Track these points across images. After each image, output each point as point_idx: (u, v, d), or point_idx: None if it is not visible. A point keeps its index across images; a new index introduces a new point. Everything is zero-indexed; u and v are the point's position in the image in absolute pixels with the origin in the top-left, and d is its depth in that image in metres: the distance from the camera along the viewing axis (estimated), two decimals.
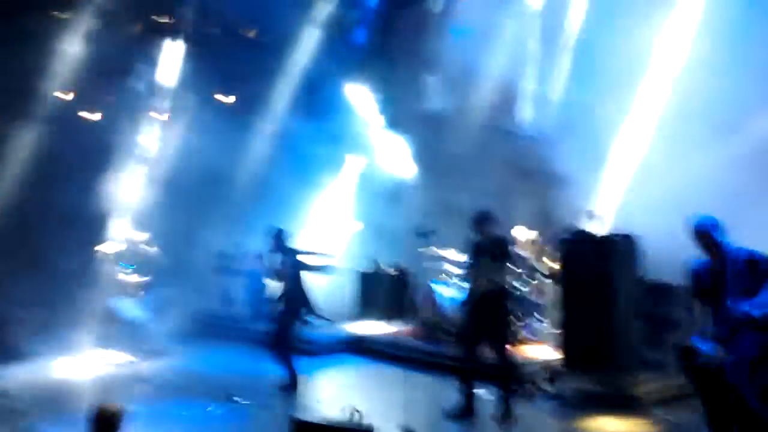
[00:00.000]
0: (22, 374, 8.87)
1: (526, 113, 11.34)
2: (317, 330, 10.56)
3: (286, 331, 8.21)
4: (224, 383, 7.96)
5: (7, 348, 9.43)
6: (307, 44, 13.25)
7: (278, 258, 8.26)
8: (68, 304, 9.50)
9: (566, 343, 7.73)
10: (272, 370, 8.25)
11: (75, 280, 10.30)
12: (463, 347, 7.05)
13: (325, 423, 5.00)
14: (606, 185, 8.84)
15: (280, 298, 8.27)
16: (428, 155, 12.52)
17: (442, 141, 11.94)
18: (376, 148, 13.35)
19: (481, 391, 6.83)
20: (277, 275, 8.31)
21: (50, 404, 7.56)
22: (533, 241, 9.57)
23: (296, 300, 8.36)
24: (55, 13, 12.31)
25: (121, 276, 9.73)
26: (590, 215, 7.50)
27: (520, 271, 9.03)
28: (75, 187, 11.13)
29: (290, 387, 8.07)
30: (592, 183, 8.77)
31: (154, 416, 6.77)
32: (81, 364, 9.33)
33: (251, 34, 13.63)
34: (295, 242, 11.34)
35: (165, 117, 13.08)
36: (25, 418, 6.95)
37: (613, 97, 8.95)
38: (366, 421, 5.64)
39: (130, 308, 8.58)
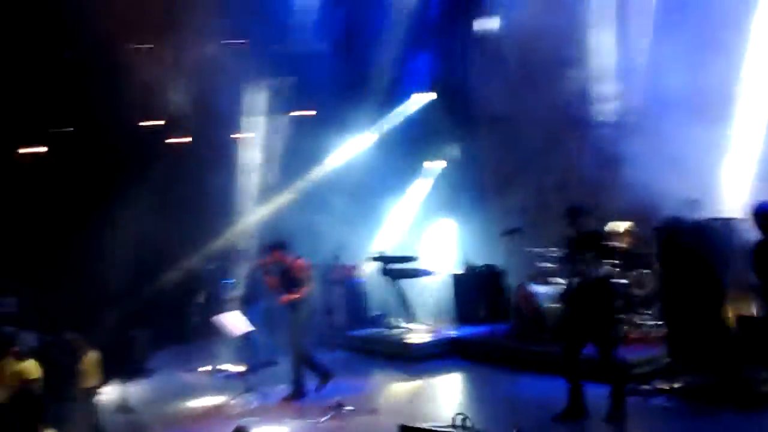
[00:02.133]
0: (145, 389, 9.46)
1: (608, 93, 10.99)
2: (416, 335, 10.76)
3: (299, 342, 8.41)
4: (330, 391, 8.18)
5: (130, 364, 10.08)
6: None
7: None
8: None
9: (672, 337, 7.51)
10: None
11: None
12: (563, 345, 6.99)
13: (433, 429, 5.06)
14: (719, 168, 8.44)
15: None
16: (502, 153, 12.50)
17: (518, 138, 11.85)
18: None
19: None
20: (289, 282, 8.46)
21: (172, 418, 8.02)
22: (629, 232, 9.36)
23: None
24: None
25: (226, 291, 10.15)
26: (692, 203, 7.23)
27: (617, 263, 8.85)
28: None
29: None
30: (701, 166, 8.41)
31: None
32: (198, 378, 9.84)
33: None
34: (388, 249, 11.61)
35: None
36: None
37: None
38: (474, 426, 5.70)
39: (238, 322, 8.93)
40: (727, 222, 7.31)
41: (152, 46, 12.88)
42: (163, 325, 12.50)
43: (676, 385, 7.23)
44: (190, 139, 13.59)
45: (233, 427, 4.79)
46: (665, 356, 7.56)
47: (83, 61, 12.05)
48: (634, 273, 8.99)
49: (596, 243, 6.80)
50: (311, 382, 8.48)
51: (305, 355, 8.48)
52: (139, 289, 12.31)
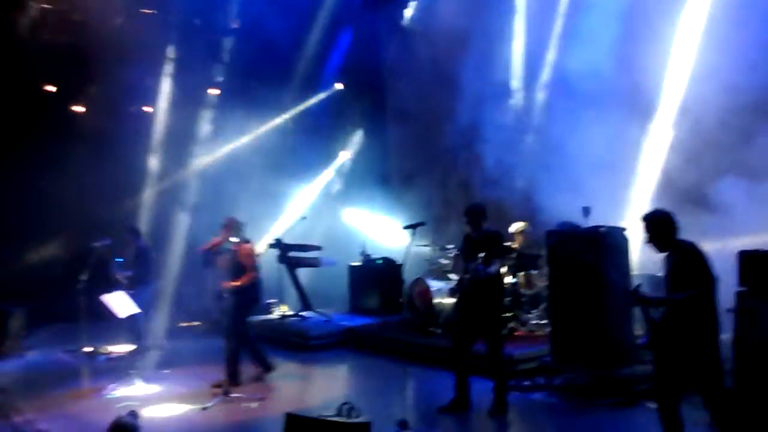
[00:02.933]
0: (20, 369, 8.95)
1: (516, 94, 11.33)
2: (310, 324, 10.72)
3: (240, 330, 8.14)
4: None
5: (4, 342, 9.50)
6: None
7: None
8: None
9: (555, 336, 7.83)
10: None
11: None
12: (454, 339, 7.14)
13: (319, 418, 5.05)
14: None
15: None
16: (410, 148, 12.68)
17: (426, 134, 12.04)
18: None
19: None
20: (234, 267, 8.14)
21: (47, 400, 7.60)
22: (521, 232, 9.68)
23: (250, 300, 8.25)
24: None
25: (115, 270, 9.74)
26: (586, 211, 7.55)
27: (509, 262, 9.13)
28: None
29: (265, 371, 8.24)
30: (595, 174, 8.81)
31: None
32: (78, 359, 9.41)
33: None
34: (286, 237, 11.48)
35: None
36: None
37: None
38: (360, 416, 5.72)
39: (124, 303, 8.58)
40: (613, 229, 7.66)
41: (60, 8, 12.27)
42: (45, 302, 11.90)
43: (556, 382, 7.54)
44: (89, 108, 13.01)
45: (117, 416, 4.54)
46: (548, 354, 7.85)
47: None
48: (523, 273, 9.30)
49: (491, 242, 6.94)
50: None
51: (249, 342, 8.22)
52: (19, 261, 11.67)
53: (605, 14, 9.13)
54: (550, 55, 10.59)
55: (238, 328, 8.06)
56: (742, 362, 5.98)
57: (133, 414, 4.67)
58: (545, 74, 10.74)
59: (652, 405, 6.35)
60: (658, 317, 5.11)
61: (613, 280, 7.30)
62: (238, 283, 7.94)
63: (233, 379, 7.92)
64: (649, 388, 6.70)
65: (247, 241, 8.28)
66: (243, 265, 8.04)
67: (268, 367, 8.39)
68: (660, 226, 5.18)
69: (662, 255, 5.22)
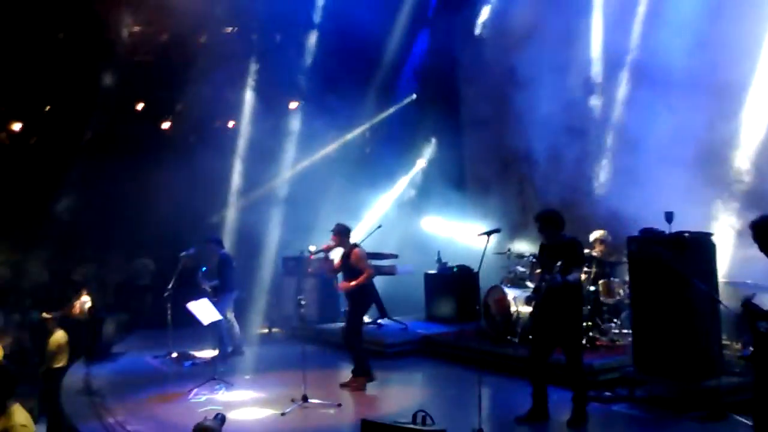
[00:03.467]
0: (110, 373, 9.41)
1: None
2: (387, 331, 10.78)
3: (356, 327, 8.41)
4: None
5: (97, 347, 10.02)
6: None
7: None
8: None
9: (638, 345, 7.57)
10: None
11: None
12: (531, 348, 7.03)
13: (396, 425, 5.06)
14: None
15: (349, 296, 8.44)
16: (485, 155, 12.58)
17: (502, 142, 11.93)
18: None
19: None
20: (347, 271, 8.46)
21: (135, 402, 7.96)
22: (601, 240, 9.43)
23: (365, 297, 8.49)
24: None
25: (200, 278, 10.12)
26: (669, 216, 7.29)
27: (589, 270, 8.92)
28: None
29: (365, 379, 8.32)
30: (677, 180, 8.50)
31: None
32: (165, 364, 9.80)
33: None
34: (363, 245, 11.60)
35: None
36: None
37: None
38: (435, 424, 5.71)
39: (207, 310, 8.90)
40: (698, 235, 7.36)
41: (144, 28, 12.90)
42: (135, 310, 12.49)
43: (638, 393, 7.30)
44: (175, 124, 13.60)
45: (202, 419, 4.67)
46: (630, 364, 7.61)
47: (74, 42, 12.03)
48: (604, 281, 9.06)
49: (568, 250, 6.80)
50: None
51: (357, 345, 8.50)
52: (112, 271, 12.29)
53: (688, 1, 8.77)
54: (631, 51, 10.27)
55: (356, 327, 8.38)
56: None
57: (220, 418, 4.78)
58: (625, 71, 10.44)
59: (742, 419, 6.08)
60: (766, 329, 4.88)
61: (698, 288, 7.01)
62: (353, 284, 8.26)
63: (368, 375, 8.29)
64: (738, 400, 6.43)
65: (357, 246, 8.53)
66: (355, 267, 8.33)
67: (367, 374, 8.46)
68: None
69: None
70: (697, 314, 7.08)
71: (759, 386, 4.94)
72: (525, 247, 10.37)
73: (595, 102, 10.89)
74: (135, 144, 12.95)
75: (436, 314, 11.43)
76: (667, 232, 7.35)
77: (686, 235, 7.26)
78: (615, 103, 10.55)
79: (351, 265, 8.38)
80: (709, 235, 7.47)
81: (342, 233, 8.45)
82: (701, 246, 7.32)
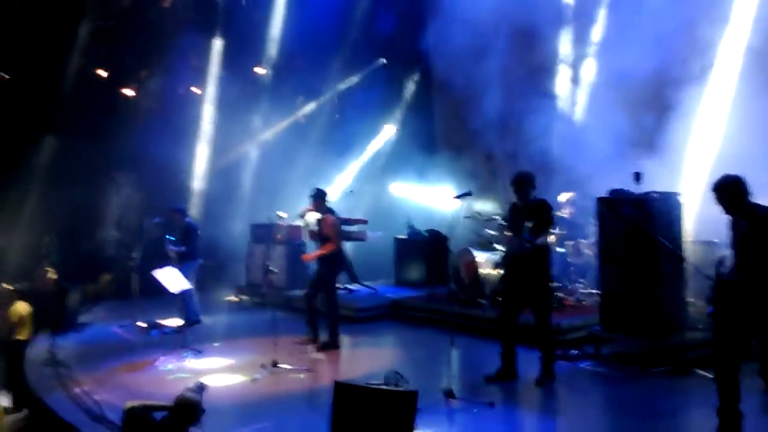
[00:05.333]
0: (76, 343, 9.26)
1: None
2: (357, 296, 10.78)
3: (331, 292, 8.46)
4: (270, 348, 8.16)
5: (62, 317, 9.84)
6: None
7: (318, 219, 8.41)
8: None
9: (604, 305, 7.67)
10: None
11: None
12: (500, 309, 7.07)
13: (368, 387, 5.07)
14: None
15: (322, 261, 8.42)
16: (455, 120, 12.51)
17: (471, 106, 11.86)
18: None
19: None
20: (319, 238, 8.48)
21: (103, 373, 7.86)
22: (571, 202, 9.48)
23: (334, 265, 8.54)
24: None
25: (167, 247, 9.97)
26: (637, 176, 7.32)
27: (557, 232, 8.98)
28: None
29: (330, 346, 8.39)
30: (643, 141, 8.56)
31: None
32: (132, 334, 9.69)
33: None
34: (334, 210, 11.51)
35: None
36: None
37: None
38: (407, 385, 5.74)
39: (175, 279, 8.78)
40: (667, 195, 7.43)
41: None
42: (100, 280, 12.29)
43: (605, 351, 7.41)
44: (139, 91, 13.25)
45: (183, 390, 4.58)
46: (596, 323, 7.71)
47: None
48: (572, 242, 9.13)
49: (539, 211, 6.81)
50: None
51: (333, 309, 8.57)
52: (75, 241, 12.03)
53: None
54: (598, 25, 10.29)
55: (330, 295, 8.46)
56: None
57: (200, 386, 4.69)
58: (593, 45, 10.48)
59: (705, 373, 6.22)
60: (727, 277, 4.95)
61: (664, 247, 7.09)
62: (322, 252, 8.33)
63: (334, 343, 8.37)
64: (701, 356, 6.57)
65: (331, 212, 8.50)
66: (326, 235, 8.33)
67: (315, 340, 8.51)
68: (730, 192, 4.99)
69: (731, 220, 5.05)
70: (663, 273, 7.18)
71: (719, 339, 5.04)
72: (494, 210, 10.39)
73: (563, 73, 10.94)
74: (99, 112, 12.60)
75: (406, 278, 11.46)
76: (635, 192, 7.41)
77: (654, 195, 7.33)
78: (581, 74, 10.62)
79: (322, 232, 8.38)
80: (677, 194, 7.55)
81: (318, 197, 8.44)
82: (669, 206, 7.40)
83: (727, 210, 5.05)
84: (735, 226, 5.05)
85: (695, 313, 7.48)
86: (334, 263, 8.56)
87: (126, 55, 12.86)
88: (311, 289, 8.70)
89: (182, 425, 4.45)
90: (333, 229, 8.39)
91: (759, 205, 4.98)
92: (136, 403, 4.63)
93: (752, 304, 4.82)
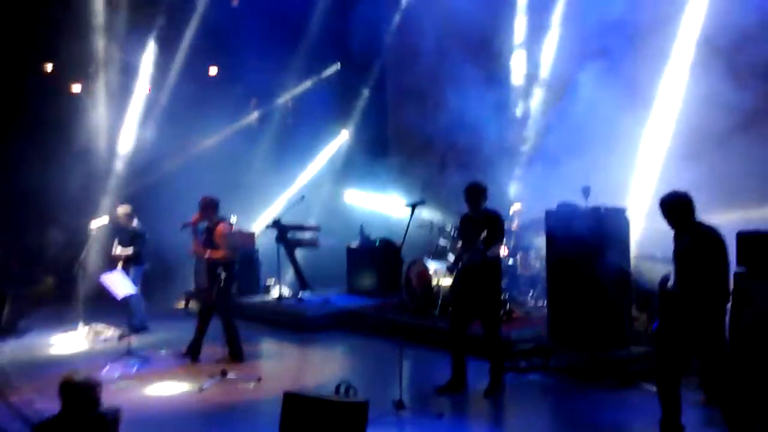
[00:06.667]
0: (16, 349, 8.96)
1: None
2: (308, 305, 10.71)
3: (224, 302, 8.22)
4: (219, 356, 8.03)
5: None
6: None
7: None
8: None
9: (553, 317, 7.82)
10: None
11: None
12: (451, 320, 7.12)
13: (318, 397, 5.04)
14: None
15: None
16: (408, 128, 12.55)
17: (425, 115, 11.94)
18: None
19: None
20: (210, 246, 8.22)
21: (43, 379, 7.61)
22: (519, 213, 9.63)
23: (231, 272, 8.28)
24: None
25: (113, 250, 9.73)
26: (586, 191, 7.50)
27: (507, 243, 9.10)
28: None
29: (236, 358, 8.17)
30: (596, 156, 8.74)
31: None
32: (75, 339, 9.41)
33: None
34: (285, 216, 11.45)
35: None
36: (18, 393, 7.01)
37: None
38: (358, 396, 5.73)
39: (121, 283, 8.57)
40: (614, 210, 7.62)
41: None
42: (43, 283, 11.91)
43: (553, 363, 7.54)
44: (84, 87, 12.93)
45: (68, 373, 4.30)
46: (545, 335, 7.84)
47: None
48: (521, 254, 9.27)
49: (490, 223, 6.89)
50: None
51: (226, 319, 8.22)
52: (17, 243, 11.65)
53: None
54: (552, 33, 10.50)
55: (224, 305, 8.13)
56: (738, 342, 5.97)
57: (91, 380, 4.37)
58: (545, 55, 10.68)
59: (649, 386, 6.38)
60: (670, 291, 5.11)
61: (611, 262, 7.27)
62: (215, 255, 8.03)
63: (239, 356, 8.07)
64: (644, 368, 6.75)
65: (224, 220, 8.30)
66: (217, 244, 8.12)
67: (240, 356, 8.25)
68: (677, 208, 5.16)
69: (676, 235, 5.22)
70: (609, 287, 7.35)
71: (661, 352, 5.20)
72: (446, 220, 10.48)
73: (517, 79, 11.09)
74: (44, 108, 12.25)
75: (358, 287, 11.43)
76: (583, 206, 7.58)
77: (602, 209, 7.51)
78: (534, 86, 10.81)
79: (213, 240, 8.14)
80: (624, 210, 7.74)
81: (207, 207, 8.20)
82: (616, 220, 7.58)
83: (673, 225, 5.22)
84: (678, 242, 5.21)
85: (639, 327, 7.68)
86: (228, 272, 8.11)
87: (74, 51, 12.56)
88: (206, 299, 8.33)
89: (78, 413, 4.13)
90: (222, 239, 8.14)
91: (702, 223, 5.16)
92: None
93: (691, 318, 4.97)
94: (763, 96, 7.64)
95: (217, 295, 8.04)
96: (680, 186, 5.39)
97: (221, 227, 8.18)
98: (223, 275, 7.93)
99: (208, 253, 8.11)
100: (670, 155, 8.76)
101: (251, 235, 11.11)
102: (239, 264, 11.26)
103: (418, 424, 6.08)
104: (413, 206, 7.16)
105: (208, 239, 8.19)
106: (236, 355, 8.15)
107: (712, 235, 5.03)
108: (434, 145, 12.28)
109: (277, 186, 12.96)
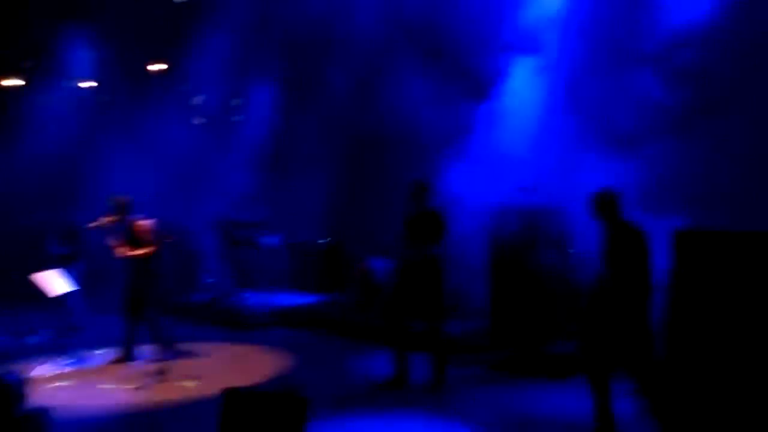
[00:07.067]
0: None
1: None
2: (249, 302, 10.60)
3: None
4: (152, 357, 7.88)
5: None
6: None
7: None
8: None
9: (493, 313, 7.96)
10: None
11: None
12: (393, 317, 7.17)
13: (258, 392, 5.00)
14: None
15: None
16: None
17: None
18: None
19: None
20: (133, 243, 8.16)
21: None
22: None
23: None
24: None
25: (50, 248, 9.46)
26: (525, 189, 7.68)
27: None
28: None
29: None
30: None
31: None
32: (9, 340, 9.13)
33: None
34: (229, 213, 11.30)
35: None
36: None
37: None
38: (300, 392, 5.71)
39: (58, 281, 8.33)
40: (555, 208, 7.79)
41: None
42: None
43: (492, 358, 7.67)
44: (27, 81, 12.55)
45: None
46: (487, 330, 7.97)
47: None
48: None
49: (434, 220, 6.96)
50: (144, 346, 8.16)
51: (151, 317, 8.11)
52: None
53: None
54: None
55: (149, 298, 8.05)
56: (672, 337, 6.17)
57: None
58: None
59: (583, 379, 6.55)
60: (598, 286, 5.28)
61: (547, 258, 7.46)
62: (141, 253, 7.95)
63: (129, 353, 8.03)
64: (578, 363, 6.93)
65: (144, 218, 8.20)
66: (142, 240, 8.02)
67: (169, 341, 8.22)
68: (605, 204, 5.36)
69: (603, 231, 5.38)
70: (546, 283, 7.54)
71: (590, 346, 5.39)
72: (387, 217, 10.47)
73: None
74: None
75: (301, 285, 11.38)
76: (521, 204, 7.75)
77: (542, 208, 7.69)
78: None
79: (137, 237, 8.07)
80: (563, 208, 7.92)
81: (121, 206, 8.13)
82: (554, 217, 7.76)
83: (601, 221, 5.41)
84: (605, 237, 5.39)
85: (573, 321, 7.84)
86: (151, 268, 8.15)
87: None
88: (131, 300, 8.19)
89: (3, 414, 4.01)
90: (149, 234, 8.09)
91: (630, 221, 5.37)
92: None
93: (616, 310, 5.16)
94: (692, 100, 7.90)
95: (142, 293, 7.95)
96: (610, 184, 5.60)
97: (145, 223, 8.08)
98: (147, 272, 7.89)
99: (130, 252, 7.99)
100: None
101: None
102: (179, 261, 11.19)
103: (360, 420, 6.08)
104: (353, 204, 7.14)
105: (129, 238, 8.06)
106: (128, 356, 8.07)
107: (634, 230, 5.26)
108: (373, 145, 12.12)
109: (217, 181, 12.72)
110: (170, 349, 8.11)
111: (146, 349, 8.13)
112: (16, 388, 4.05)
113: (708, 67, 7.26)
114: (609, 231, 5.36)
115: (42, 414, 4.15)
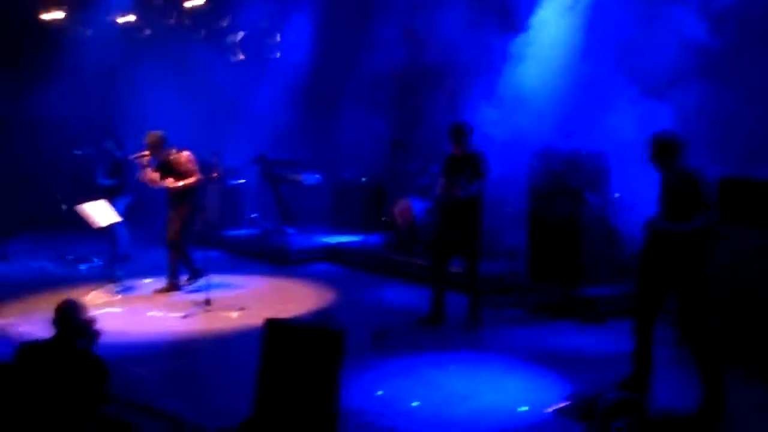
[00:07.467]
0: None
1: None
2: (292, 239, 10.80)
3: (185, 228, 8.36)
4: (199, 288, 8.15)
5: None
6: None
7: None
8: None
9: (531, 255, 7.98)
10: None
11: None
12: (432, 256, 7.26)
13: (299, 325, 5.16)
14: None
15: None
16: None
17: None
18: None
19: None
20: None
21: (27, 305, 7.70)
22: None
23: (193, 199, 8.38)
24: None
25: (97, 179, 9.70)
26: (566, 134, 7.58)
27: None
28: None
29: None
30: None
31: None
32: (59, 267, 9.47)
33: None
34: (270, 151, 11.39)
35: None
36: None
37: None
38: (338, 324, 5.87)
39: (104, 212, 8.57)
40: (593, 153, 7.69)
41: None
42: (26, 210, 11.88)
43: (529, 300, 7.74)
44: (64, 14, 12.59)
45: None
46: (523, 272, 8.02)
47: None
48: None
49: (474, 162, 6.96)
50: (183, 277, 8.42)
51: (183, 248, 8.32)
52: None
53: None
54: None
55: (182, 233, 8.22)
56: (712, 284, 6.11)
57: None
58: None
59: (622, 323, 6.59)
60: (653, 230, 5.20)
61: (590, 202, 7.41)
62: (183, 185, 8.08)
63: (174, 283, 8.31)
64: (618, 307, 6.96)
65: (184, 149, 8.31)
66: (182, 171, 8.14)
67: (198, 272, 8.42)
68: (664, 148, 5.15)
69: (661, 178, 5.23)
70: (585, 227, 7.51)
71: (641, 291, 5.37)
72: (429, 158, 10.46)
73: None
74: (13, 39, 11.98)
75: (343, 224, 11.51)
76: (564, 149, 7.66)
77: (583, 152, 7.59)
78: None
79: (176, 170, 8.17)
80: (603, 153, 7.81)
81: (157, 142, 8.20)
82: (597, 163, 7.67)
83: (659, 165, 5.24)
84: (664, 181, 5.24)
85: (620, 266, 7.82)
86: (192, 197, 8.30)
87: None
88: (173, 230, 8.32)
89: (69, 339, 4.23)
90: (190, 165, 8.19)
91: (688, 165, 5.19)
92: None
93: (674, 255, 5.08)
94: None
95: (182, 225, 8.14)
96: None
97: (186, 154, 8.20)
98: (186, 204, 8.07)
99: (171, 183, 8.12)
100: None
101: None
102: (222, 196, 11.41)
103: (397, 356, 6.25)
104: (394, 143, 7.16)
105: (167, 171, 8.17)
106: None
107: (697, 175, 5.07)
108: (420, 86, 12.05)
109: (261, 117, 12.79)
110: (198, 280, 8.33)
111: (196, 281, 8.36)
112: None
113: (750, 7, 6.99)
114: (670, 175, 5.15)
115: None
